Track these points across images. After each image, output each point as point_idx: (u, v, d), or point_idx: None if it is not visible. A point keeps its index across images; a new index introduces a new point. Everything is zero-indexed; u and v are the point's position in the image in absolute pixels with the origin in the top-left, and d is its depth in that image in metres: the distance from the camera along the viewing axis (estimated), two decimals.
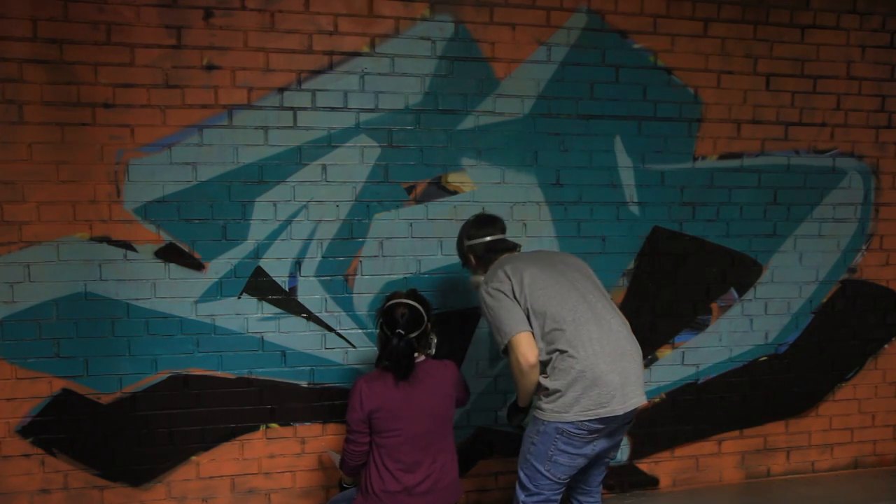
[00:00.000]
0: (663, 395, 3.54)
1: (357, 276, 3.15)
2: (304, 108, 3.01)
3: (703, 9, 3.33)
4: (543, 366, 2.33)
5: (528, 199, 3.25)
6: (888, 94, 3.59)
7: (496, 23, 3.13)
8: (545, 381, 2.31)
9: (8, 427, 2.94)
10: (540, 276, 2.38)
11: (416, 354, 2.44)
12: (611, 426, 2.31)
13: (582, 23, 3.21)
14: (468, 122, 3.15)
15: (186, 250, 2.99)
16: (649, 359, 3.50)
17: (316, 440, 3.20)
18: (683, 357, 3.53)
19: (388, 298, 2.52)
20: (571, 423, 2.26)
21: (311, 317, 3.12)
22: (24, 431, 2.96)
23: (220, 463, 3.13)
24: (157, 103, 2.89)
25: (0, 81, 2.76)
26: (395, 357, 2.38)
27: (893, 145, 3.64)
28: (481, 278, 2.56)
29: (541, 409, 2.33)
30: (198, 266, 3.01)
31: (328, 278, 3.12)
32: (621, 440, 2.48)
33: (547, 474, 2.36)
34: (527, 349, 2.29)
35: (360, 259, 3.14)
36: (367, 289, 3.16)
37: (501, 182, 3.22)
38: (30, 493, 2.99)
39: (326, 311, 3.13)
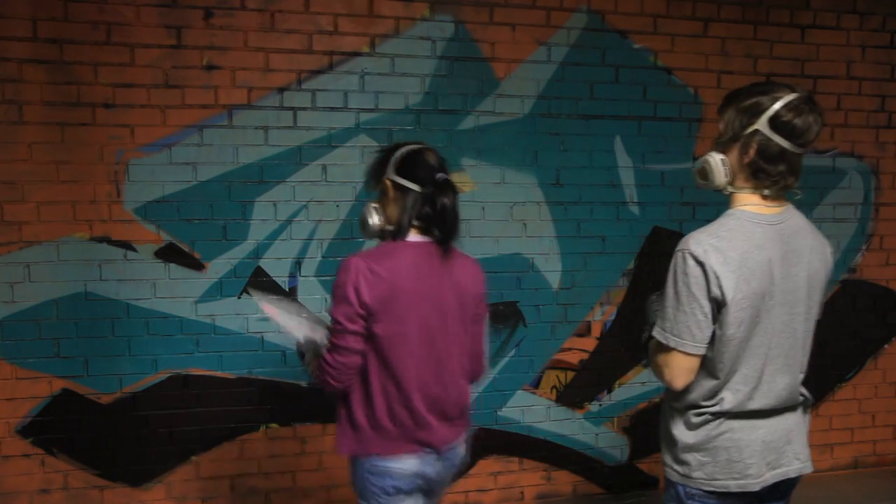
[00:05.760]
0: (663, 395, 3.52)
1: None
2: (304, 108, 3.01)
3: (703, 9, 3.32)
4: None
5: (528, 199, 3.25)
6: (888, 94, 3.58)
7: (496, 23, 3.12)
8: None
9: (8, 427, 2.94)
10: None
11: None
12: None
13: (582, 23, 3.21)
14: (468, 122, 3.15)
15: (186, 250, 2.99)
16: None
17: (316, 440, 3.19)
18: None
19: (392, 149, 1.88)
20: None
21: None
22: (24, 431, 2.95)
23: (220, 463, 3.12)
24: (157, 103, 2.88)
25: (0, 81, 2.76)
26: (440, 213, 1.78)
27: (893, 145, 3.63)
28: (725, 181, 1.67)
29: None
30: (198, 266, 3.01)
31: (328, 278, 3.11)
32: None
33: None
34: None
35: None
36: None
37: (501, 182, 3.22)
38: (30, 493, 2.99)
39: (326, 311, 3.13)
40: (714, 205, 3.46)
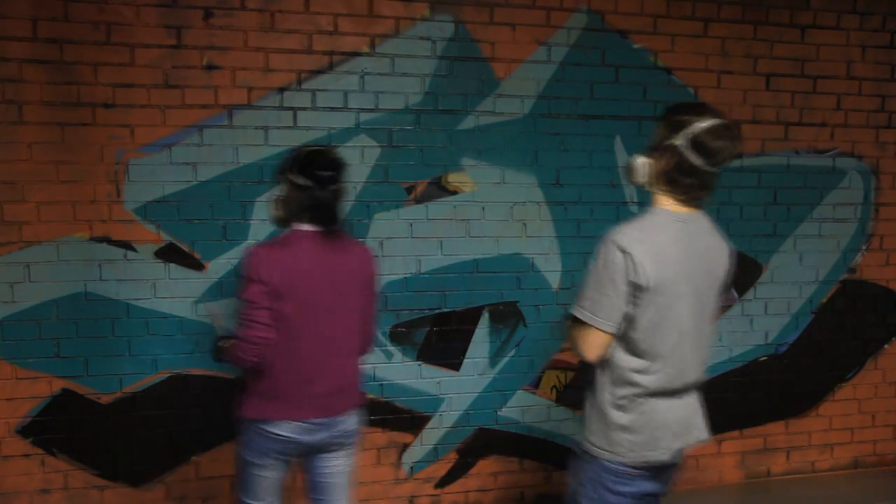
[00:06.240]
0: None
1: None
2: (304, 108, 3.01)
3: (703, 9, 3.32)
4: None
5: (528, 199, 3.25)
6: (888, 94, 3.59)
7: (496, 23, 3.12)
8: None
9: (8, 427, 2.94)
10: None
11: None
12: None
13: (582, 23, 3.21)
14: (468, 122, 3.15)
15: (186, 250, 2.99)
16: None
17: None
18: None
19: (297, 149, 2.19)
20: None
21: None
22: (24, 431, 2.95)
23: (220, 463, 3.12)
24: (157, 103, 2.88)
25: (0, 81, 2.76)
26: (319, 204, 2.06)
27: (893, 145, 3.64)
28: (644, 181, 1.93)
29: None
30: (198, 266, 3.01)
31: None
32: None
33: None
34: None
35: None
36: None
37: (501, 182, 3.22)
38: (30, 493, 2.99)
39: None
40: (714, 205, 3.47)
